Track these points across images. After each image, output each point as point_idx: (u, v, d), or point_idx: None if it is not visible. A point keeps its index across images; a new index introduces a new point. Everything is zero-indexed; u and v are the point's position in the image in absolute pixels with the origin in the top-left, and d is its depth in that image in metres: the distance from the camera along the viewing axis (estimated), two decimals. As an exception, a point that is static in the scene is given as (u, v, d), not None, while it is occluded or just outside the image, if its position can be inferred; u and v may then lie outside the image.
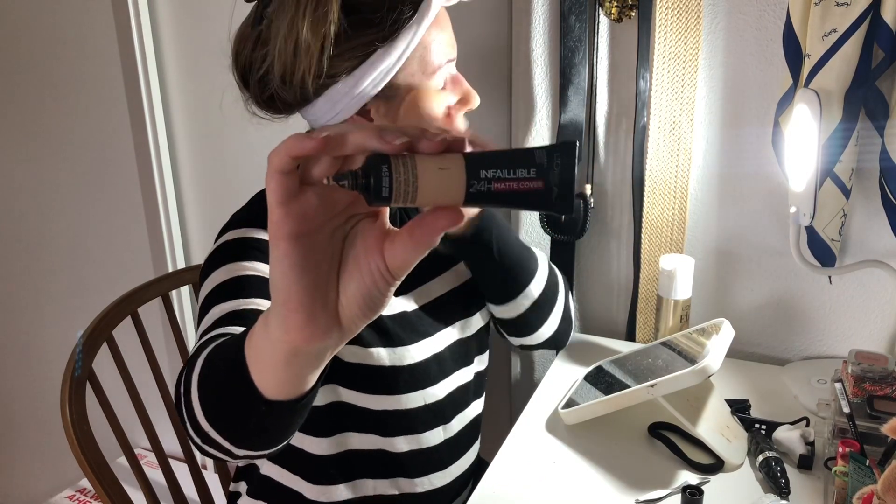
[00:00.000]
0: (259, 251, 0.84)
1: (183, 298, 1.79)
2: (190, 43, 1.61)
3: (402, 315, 0.95)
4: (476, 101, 0.89)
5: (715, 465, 0.96)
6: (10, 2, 1.74)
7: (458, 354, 1.02)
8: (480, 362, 1.07)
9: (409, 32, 0.78)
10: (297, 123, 0.86)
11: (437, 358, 0.97)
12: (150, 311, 1.22)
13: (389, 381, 0.93)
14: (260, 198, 0.93)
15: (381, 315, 0.90)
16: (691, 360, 0.98)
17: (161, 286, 1.20)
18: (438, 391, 0.99)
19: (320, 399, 0.92)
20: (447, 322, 1.00)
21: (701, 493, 0.87)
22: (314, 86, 0.79)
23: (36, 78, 1.79)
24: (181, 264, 1.78)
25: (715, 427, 1.00)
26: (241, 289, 0.79)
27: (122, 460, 1.08)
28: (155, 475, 1.13)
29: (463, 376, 1.03)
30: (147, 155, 1.68)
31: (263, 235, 0.85)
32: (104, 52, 1.66)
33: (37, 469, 2.23)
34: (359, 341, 0.90)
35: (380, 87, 0.80)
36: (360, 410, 0.94)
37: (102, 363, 1.06)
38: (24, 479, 2.28)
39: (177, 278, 1.24)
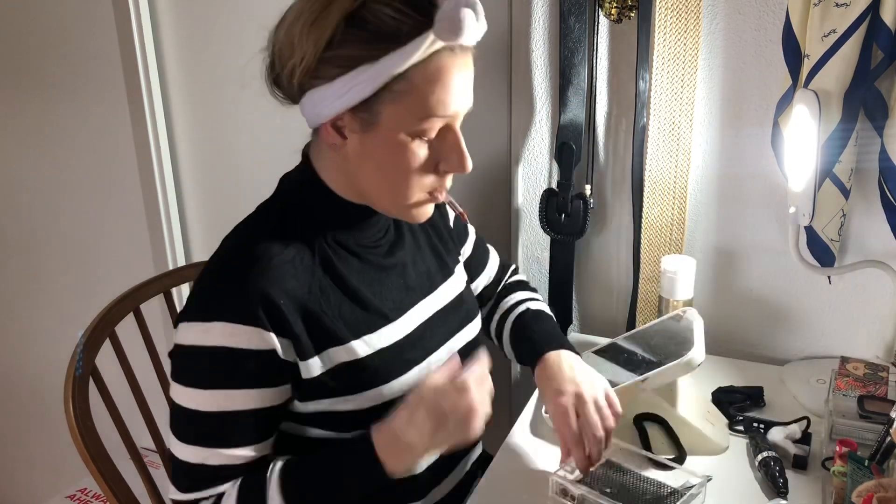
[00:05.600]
0: (246, 371, 0.81)
1: (184, 295, 1.79)
2: (190, 42, 1.62)
3: (395, 346, 0.91)
4: (465, 167, 0.85)
5: (677, 459, 0.98)
6: (12, 2, 1.75)
7: None
8: None
9: (391, 61, 0.78)
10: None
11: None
12: (152, 308, 1.23)
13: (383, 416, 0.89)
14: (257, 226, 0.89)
15: (380, 349, 0.89)
16: (672, 351, 1.01)
17: (162, 283, 1.21)
18: None
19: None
20: (439, 343, 0.97)
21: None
22: (300, 80, 0.82)
23: (37, 77, 1.79)
24: (182, 261, 1.78)
25: (697, 412, 1.05)
26: (226, 433, 0.82)
27: (125, 460, 1.09)
28: (156, 474, 1.13)
29: None
30: (147, 153, 1.69)
31: (254, 343, 0.81)
32: (105, 51, 1.66)
33: (37, 469, 2.24)
34: (359, 387, 0.88)
35: (354, 102, 0.80)
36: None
37: (105, 360, 1.07)
38: (25, 479, 2.29)
39: (178, 275, 1.24)
